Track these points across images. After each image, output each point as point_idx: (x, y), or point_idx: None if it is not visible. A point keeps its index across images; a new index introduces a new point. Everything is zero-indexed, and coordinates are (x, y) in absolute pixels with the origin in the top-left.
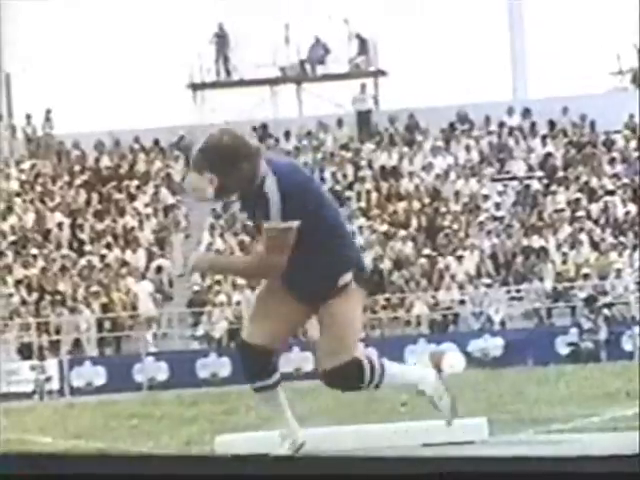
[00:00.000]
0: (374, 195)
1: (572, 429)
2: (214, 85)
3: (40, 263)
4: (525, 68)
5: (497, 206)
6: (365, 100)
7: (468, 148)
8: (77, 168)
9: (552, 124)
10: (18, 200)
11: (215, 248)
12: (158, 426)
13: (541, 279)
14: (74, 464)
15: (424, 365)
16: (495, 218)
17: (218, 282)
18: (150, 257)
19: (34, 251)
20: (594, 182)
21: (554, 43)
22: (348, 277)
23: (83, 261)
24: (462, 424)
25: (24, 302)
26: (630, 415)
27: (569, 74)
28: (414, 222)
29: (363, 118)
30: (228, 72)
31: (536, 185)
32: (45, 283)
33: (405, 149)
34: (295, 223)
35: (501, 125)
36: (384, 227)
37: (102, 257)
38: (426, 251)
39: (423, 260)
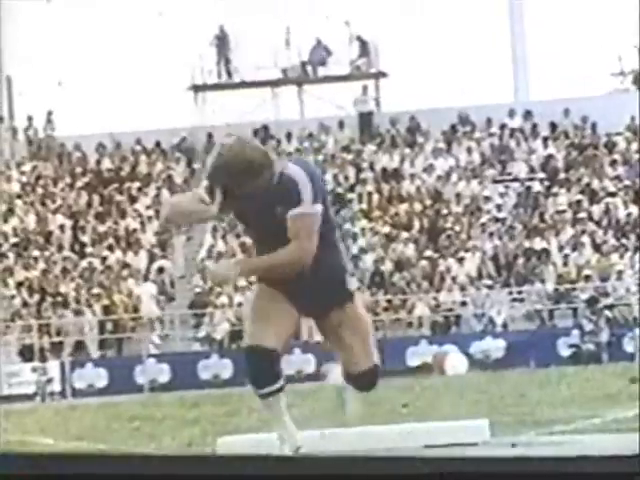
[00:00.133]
0: (375, 197)
1: (574, 430)
2: (215, 87)
3: (41, 265)
4: (526, 70)
5: (498, 208)
6: (367, 102)
7: (469, 150)
8: (78, 170)
9: (553, 126)
10: (19, 202)
11: (217, 250)
12: (160, 428)
13: (543, 281)
14: (74, 464)
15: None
16: (497, 220)
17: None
18: (152, 259)
19: (35, 253)
20: (595, 184)
21: (555, 45)
22: (355, 280)
23: (84, 263)
24: (464, 426)
25: (25, 304)
26: (631, 416)
27: (570, 76)
28: (416, 224)
29: (365, 120)
30: (229, 74)
31: (537, 187)
32: (46, 285)
33: (406, 151)
34: (321, 207)
35: (502, 127)
36: (386, 229)
37: (103, 259)
38: (427, 253)
39: (424, 262)
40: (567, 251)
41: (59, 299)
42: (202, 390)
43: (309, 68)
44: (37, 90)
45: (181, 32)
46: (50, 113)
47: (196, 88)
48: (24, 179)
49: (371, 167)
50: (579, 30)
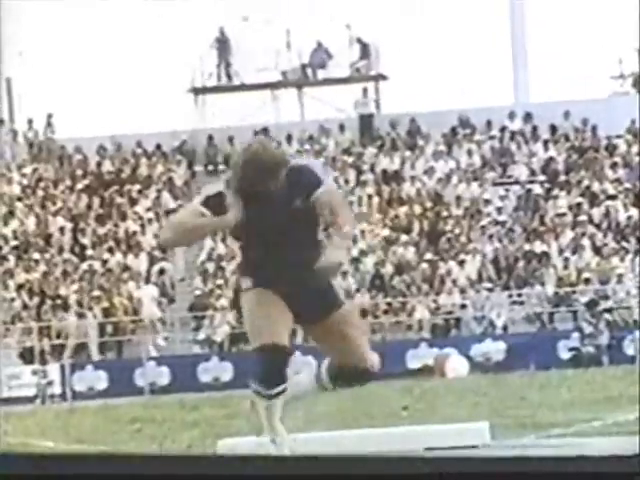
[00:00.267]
0: (376, 199)
1: (574, 433)
2: (216, 89)
3: (42, 267)
4: (527, 72)
5: (499, 210)
6: (367, 104)
7: (470, 152)
8: (79, 172)
9: (554, 128)
10: (20, 205)
11: (217, 253)
12: (160, 430)
13: (543, 283)
14: (74, 464)
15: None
16: (497, 222)
17: (219, 286)
18: (152, 262)
19: (36, 255)
20: (596, 187)
21: (556, 47)
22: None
23: (85, 265)
24: (464, 428)
25: (26, 306)
26: (632, 419)
27: (571, 78)
28: (416, 226)
29: (365, 122)
30: (229, 76)
31: (538, 189)
32: (47, 287)
33: (407, 153)
34: None
35: (503, 129)
36: (386, 232)
37: (104, 262)
38: (428, 255)
39: (425, 265)
40: (567, 254)
41: (59, 302)
42: (202, 393)
43: (309, 70)
44: (37, 92)
45: (181, 35)
46: (50, 115)
47: (196, 91)
48: (24, 181)
49: (371, 169)
50: (579, 32)
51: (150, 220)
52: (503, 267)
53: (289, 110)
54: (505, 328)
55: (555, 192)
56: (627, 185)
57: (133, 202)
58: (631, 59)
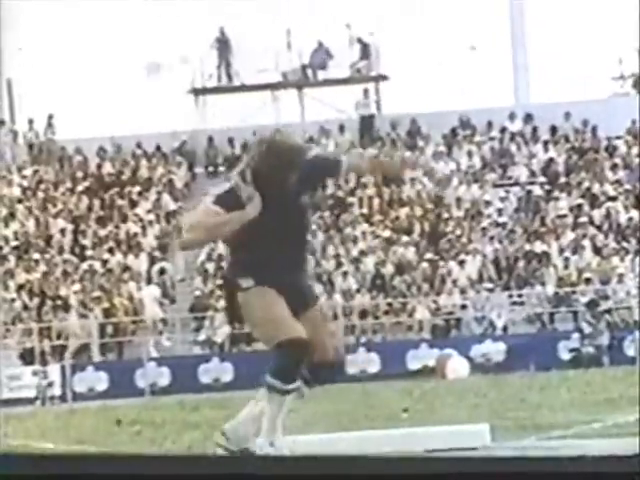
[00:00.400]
0: (376, 201)
1: (574, 435)
2: (216, 90)
3: (42, 268)
4: (527, 73)
5: (499, 212)
6: (368, 105)
7: (470, 154)
8: (79, 174)
9: (554, 129)
10: (20, 206)
11: (217, 253)
12: (160, 432)
13: (543, 284)
14: (74, 464)
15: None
16: (497, 224)
17: (220, 287)
18: (152, 262)
19: (36, 256)
20: (596, 188)
21: (556, 48)
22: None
23: (85, 266)
24: (464, 430)
25: (26, 307)
26: (632, 421)
27: (571, 79)
28: (417, 228)
29: (366, 123)
30: (230, 77)
31: (538, 191)
32: (47, 288)
33: (407, 154)
34: None
35: (503, 130)
36: (387, 233)
37: (104, 262)
38: (428, 255)
39: (425, 265)
40: (567, 254)
41: (59, 302)
42: (202, 394)
43: (310, 71)
44: (38, 93)
45: (182, 35)
46: (51, 117)
47: (197, 91)
48: (25, 183)
49: None
50: (579, 33)
51: (151, 222)
52: (503, 267)
53: (289, 111)
54: (505, 329)
55: (555, 193)
56: (627, 186)
57: (133, 204)
58: (631, 60)
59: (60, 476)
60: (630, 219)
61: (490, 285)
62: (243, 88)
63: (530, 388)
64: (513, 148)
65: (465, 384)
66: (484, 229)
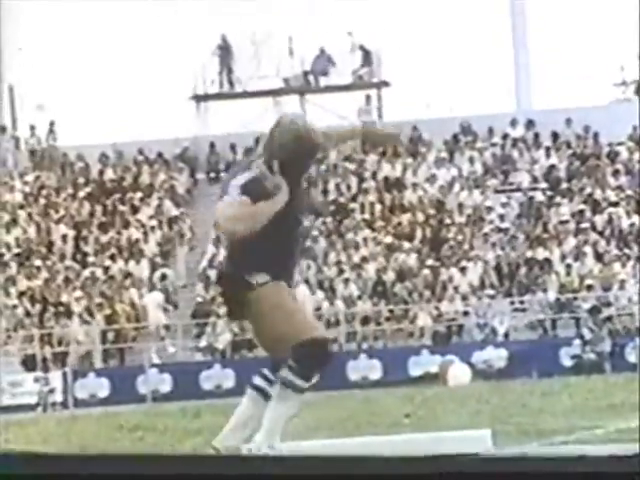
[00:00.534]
0: (378, 207)
1: (576, 441)
2: (217, 96)
3: (44, 275)
4: (528, 79)
5: (501, 218)
6: (370, 111)
7: (472, 160)
8: (81, 180)
9: (556, 135)
10: (22, 212)
11: (219, 260)
12: (162, 438)
13: (545, 290)
14: (74, 464)
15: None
16: (499, 230)
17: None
18: (154, 268)
19: (38, 263)
20: (598, 194)
21: (557, 54)
22: None
23: (87, 272)
24: (466, 436)
25: (28, 314)
26: (634, 427)
27: (572, 85)
28: (418, 234)
29: None
30: (231, 83)
31: (540, 197)
32: (49, 295)
33: (409, 160)
34: None
35: (505, 137)
36: (388, 239)
37: (106, 269)
38: (430, 262)
39: (426, 271)
40: (569, 261)
41: (61, 309)
42: (204, 400)
43: (311, 78)
44: (40, 100)
45: (183, 42)
46: (52, 123)
47: (198, 98)
48: (27, 189)
49: (373, 177)
50: (581, 40)
51: (152, 228)
52: (505, 274)
53: None
54: (507, 335)
55: (557, 199)
56: (629, 192)
57: (135, 210)
58: (633, 66)
59: (60, 476)
60: (632, 225)
61: (492, 291)
62: (245, 94)
63: (532, 394)
64: (515, 154)
65: (467, 390)
66: (486, 235)
